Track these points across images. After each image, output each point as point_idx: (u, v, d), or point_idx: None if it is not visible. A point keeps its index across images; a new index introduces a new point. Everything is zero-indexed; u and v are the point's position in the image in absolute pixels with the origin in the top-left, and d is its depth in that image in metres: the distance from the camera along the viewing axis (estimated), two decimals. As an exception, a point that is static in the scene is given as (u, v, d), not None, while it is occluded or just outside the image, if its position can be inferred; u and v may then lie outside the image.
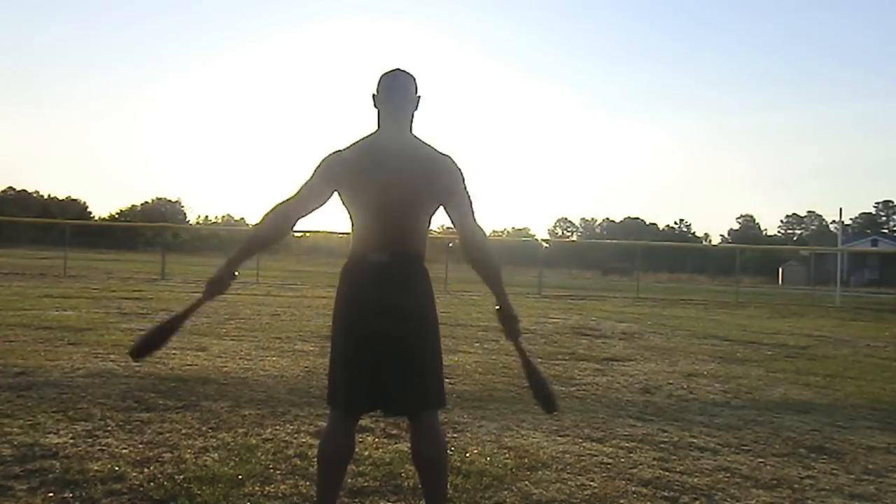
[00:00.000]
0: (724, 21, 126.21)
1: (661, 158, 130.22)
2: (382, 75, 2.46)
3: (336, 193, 2.39)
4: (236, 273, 2.39)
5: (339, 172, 2.36)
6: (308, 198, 2.37)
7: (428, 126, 2.52)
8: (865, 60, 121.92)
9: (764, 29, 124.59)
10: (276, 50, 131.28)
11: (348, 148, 2.40)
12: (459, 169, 2.42)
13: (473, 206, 2.41)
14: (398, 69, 2.48)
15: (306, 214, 2.38)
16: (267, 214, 2.37)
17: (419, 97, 2.47)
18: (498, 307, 2.44)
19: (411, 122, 2.45)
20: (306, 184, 2.38)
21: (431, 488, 2.41)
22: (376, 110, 2.45)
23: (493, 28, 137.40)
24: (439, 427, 2.42)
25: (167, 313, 9.89)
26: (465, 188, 2.41)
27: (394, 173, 2.33)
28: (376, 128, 2.45)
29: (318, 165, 2.40)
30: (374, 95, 2.45)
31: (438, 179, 2.36)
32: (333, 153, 2.40)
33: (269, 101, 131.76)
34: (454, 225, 2.40)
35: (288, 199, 2.37)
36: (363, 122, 2.51)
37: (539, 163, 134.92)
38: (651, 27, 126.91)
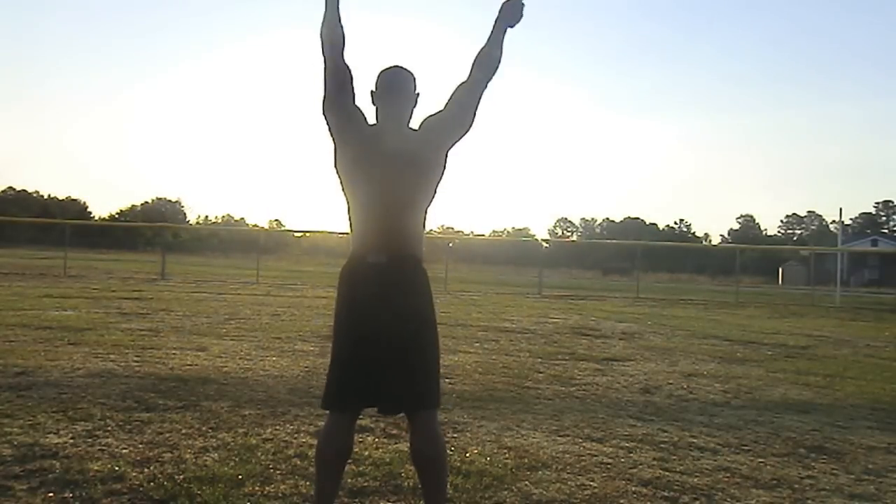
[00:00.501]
0: (725, 21, 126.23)
1: (662, 158, 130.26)
2: (381, 72, 2.47)
3: (333, 145, 2.44)
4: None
5: (353, 123, 2.42)
6: (346, 74, 2.46)
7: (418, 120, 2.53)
8: (866, 60, 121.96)
9: (764, 29, 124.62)
10: (276, 48, 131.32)
11: (369, 126, 2.46)
12: (426, 117, 2.49)
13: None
14: (397, 66, 2.48)
15: (333, 63, 2.45)
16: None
17: (418, 94, 2.47)
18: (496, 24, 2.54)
19: (409, 118, 2.46)
20: (350, 83, 2.47)
21: (431, 488, 2.41)
22: (374, 107, 2.46)
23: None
24: (438, 427, 2.42)
25: (167, 313, 9.89)
26: (439, 112, 2.49)
27: (392, 172, 2.35)
28: (375, 122, 2.47)
29: (359, 109, 2.46)
30: (372, 92, 2.46)
31: (431, 143, 2.43)
32: (363, 112, 2.47)
33: (269, 101, 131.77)
34: (462, 94, 2.49)
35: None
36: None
37: (539, 162, 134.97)
38: (655, 26, 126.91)
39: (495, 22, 2.54)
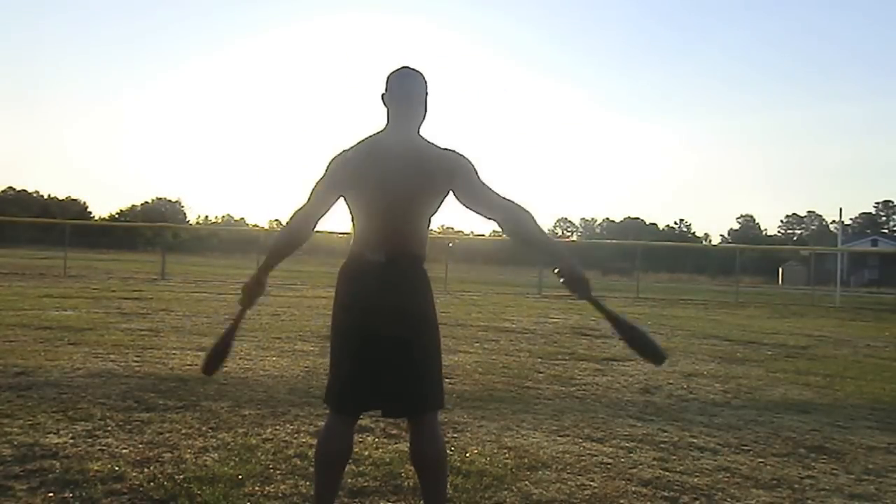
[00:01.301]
0: (725, 21, 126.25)
1: (662, 158, 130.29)
2: (391, 74, 2.45)
3: (342, 197, 2.41)
4: (266, 285, 2.50)
5: (342, 178, 2.38)
6: (317, 205, 2.41)
7: (428, 123, 2.51)
8: (866, 60, 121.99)
9: (764, 29, 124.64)
10: (277, 47, 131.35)
11: (353, 147, 2.41)
12: (466, 158, 2.40)
13: (489, 187, 2.39)
14: (407, 67, 2.46)
15: (321, 218, 2.43)
16: (290, 220, 2.43)
17: (428, 95, 2.45)
18: (557, 269, 2.28)
19: (421, 120, 2.43)
20: (314, 191, 2.41)
21: (431, 489, 2.41)
22: (385, 109, 2.44)
23: (495, 24, 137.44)
24: (439, 428, 2.42)
25: (167, 313, 9.87)
26: (477, 175, 2.38)
27: (395, 174, 2.33)
28: (385, 125, 2.44)
29: (325, 170, 2.42)
30: (382, 94, 2.44)
31: (442, 175, 2.35)
32: (338, 155, 2.41)
33: (270, 100, 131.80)
34: (482, 210, 2.36)
35: (303, 206, 2.42)
36: (368, 120, 2.52)
37: (539, 163, 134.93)
38: (655, 27, 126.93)
39: (562, 259, 2.28)
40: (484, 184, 2.38)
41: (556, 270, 2.28)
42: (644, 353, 2.33)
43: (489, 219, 2.37)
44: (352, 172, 2.36)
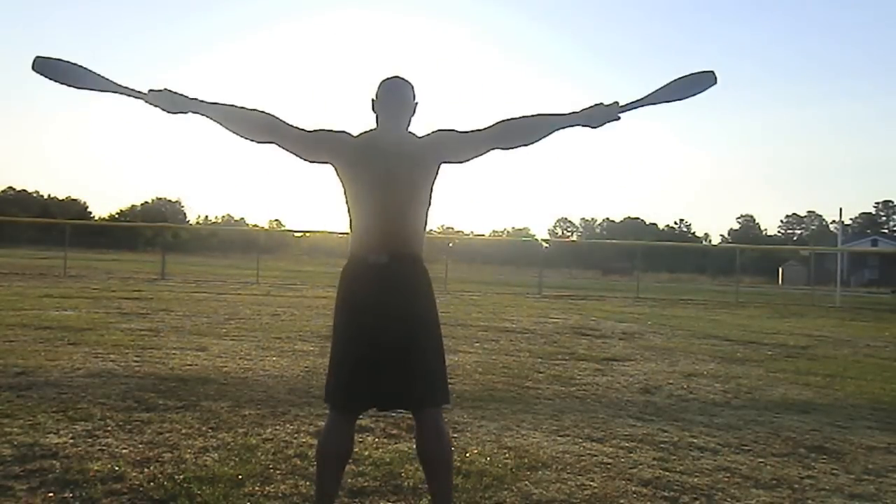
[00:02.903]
0: (725, 20, 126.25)
1: (662, 158, 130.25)
2: (381, 82, 2.52)
3: (333, 169, 2.43)
4: (187, 112, 2.39)
5: (340, 148, 2.42)
6: (297, 134, 2.41)
7: (427, 122, 2.56)
8: (866, 60, 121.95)
9: (765, 28, 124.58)
10: (278, 45, 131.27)
11: (355, 136, 2.46)
12: (444, 127, 2.46)
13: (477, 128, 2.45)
14: (397, 76, 2.53)
15: (280, 141, 2.40)
16: (256, 110, 2.40)
17: (416, 104, 2.52)
18: (587, 126, 2.41)
19: (408, 126, 2.50)
20: (304, 128, 2.42)
21: (437, 486, 2.41)
22: (374, 115, 2.51)
23: (495, 21, 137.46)
24: (444, 425, 2.42)
25: (167, 313, 9.87)
26: (459, 130, 2.45)
27: (390, 172, 2.37)
28: (375, 127, 2.51)
29: (329, 129, 2.44)
30: (372, 101, 2.50)
31: (431, 150, 2.42)
32: (345, 132, 2.45)
33: (270, 99, 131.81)
34: (481, 146, 2.43)
35: (280, 119, 2.41)
36: (368, 119, 2.56)
37: (539, 162, 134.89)
38: (655, 25, 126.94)
39: (572, 114, 2.41)
40: (467, 130, 2.44)
41: (588, 126, 2.39)
42: (697, 84, 2.40)
43: (494, 148, 2.44)
44: (350, 155, 2.40)
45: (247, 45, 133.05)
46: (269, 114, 2.42)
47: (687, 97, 2.45)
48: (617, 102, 2.42)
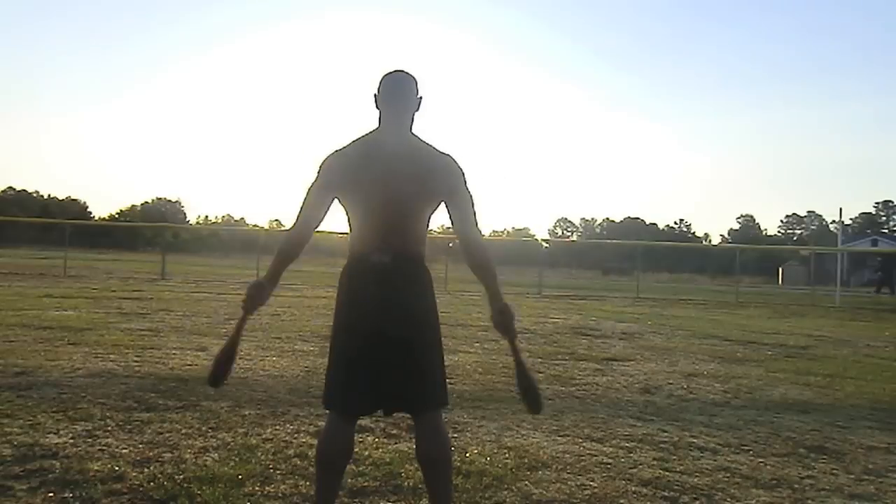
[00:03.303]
0: (726, 21, 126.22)
1: (662, 158, 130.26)
2: (384, 76, 2.47)
3: (336, 198, 2.41)
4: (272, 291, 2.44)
5: (336, 179, 2.38)
6: (315, 209, 2.41)
7: (427, 122, 2.53)
8: (866, 59, 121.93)
9: (765, 29, 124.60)
10: (278, 46, 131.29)
11: (348, 146, 2.42)
12: (461, 168, 2.43)
13: (474, 206, 2.44)
14: (400, 70, 2.49)
15: (321, 221, 2.44)
16: (290, 230, 2.45)
17: (420, 98, 2.47)
18: (492, 305, 2.44)
19: (412, 122, 2.46)
20: (309, 195, 2.41)
21: (436, 488, 2.41)
22: (377, 111, 2.46)
23: (496, 22, 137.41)
24: (443, 426, 2.42)
25: (167, 313, 9.85)
26: (467, 188, 2.43)
27: (394, 173, 2.34)
28: (378, 126, 2.46)
29: (318, 173, 2.42)
30: (375, 96, 2.46)
31: (439, 178, 2.38)
32: (331, 156, 2.42)
33: (270, 99, 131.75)
34: (453, 225, 2.42)
35: (300, 213, 2.41)
36: (368, 119, 2.52)
37: (539, 162, 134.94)
38: (656, 26, 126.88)
39: (495, 296, 2.42)
40: (469, 198, 2.43)
41: (492, 306, 2.42)
42: (525, 396, 2.51)
43: (455, 229, 2.42)
44: (347, 172, 2.37)
45: (247, 44, 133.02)
46: (296, 223, 2.41)
47: (521, 392, 2.53)
48: (513, 334, 2.44)
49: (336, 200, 2.41)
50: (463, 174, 2.43)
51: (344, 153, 2.41)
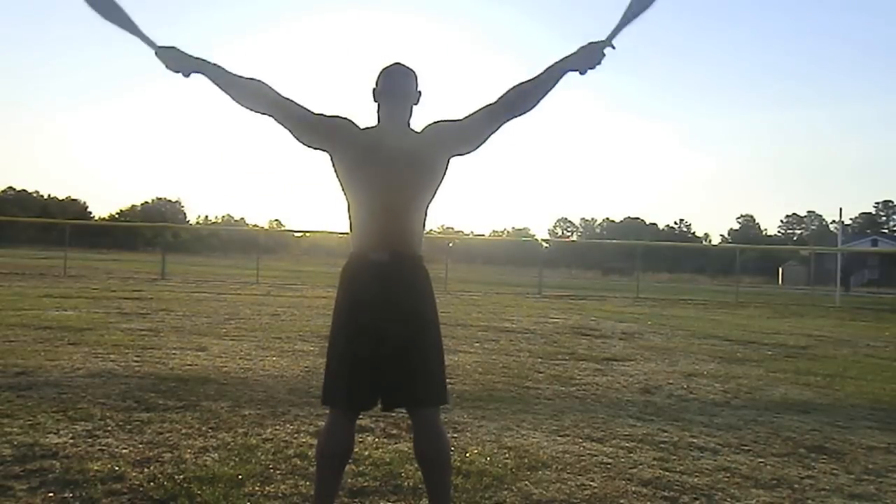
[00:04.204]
0: (726, 21, 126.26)
1: (662, 158, 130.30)
2: (382, 69, 2.45)
3: (329, 158, 2.41)
4: (189, 74, 2.39)
5: (341, 137, 2.38)
6: (299, 112, 2.39)
7: (421, 119, 2.52)
8: (867, 60, 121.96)
9: (766, 29, 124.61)
10: (278, 45, 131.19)
11: (360, 129, 2.42)
12: (440, 119, 2.44)
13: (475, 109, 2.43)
14: (398, 63, 2.46)
15: (280, 115, 2.39)
16: (252, 78, 2.40)
17: (419, 92, 2.46)
18: (578, 71, 2.40)
19: (410, 116, 2.44)
20: (309, 109, 2.40)
21: (435, 487, 2.40)
22: (376, 104, 2.45)
23: (496, 20, 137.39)
24: (441, 425, 2.41)
25: (167, 312, 9.86)
26: (453, 118, 2.43)
27: (392, 172, 2.34)
28: (376, 122, 2.45)
29: (333, 115, 2.41)
30: (373, 90, 2.44)
31: (438, 146, 2.40)
32: (349, 120, 2.42)
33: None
34: (487, 126, 2.41)
35: (283, 94, 2.39)
36: (369, 119, 2.52)
37: (539, 162, 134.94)
38: (657, 26, 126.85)
39: (563, 60, 2.39)
40: (466, 116, 2.42)
41: (579, 72, 2.39)
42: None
43: (501, 123, 2.41)
44: (350, 147, 2.37)
45: (246, 45, 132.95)
46: (272, 87, 2.40)
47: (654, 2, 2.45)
48: (603, 46, 2.42)
49: (314, 139, 2.39)
50: (445, 119, 2.43)
51: (360, 130, 2.41)
